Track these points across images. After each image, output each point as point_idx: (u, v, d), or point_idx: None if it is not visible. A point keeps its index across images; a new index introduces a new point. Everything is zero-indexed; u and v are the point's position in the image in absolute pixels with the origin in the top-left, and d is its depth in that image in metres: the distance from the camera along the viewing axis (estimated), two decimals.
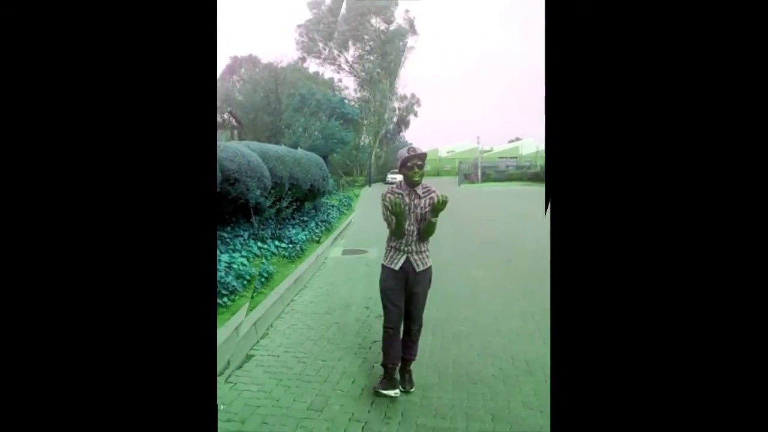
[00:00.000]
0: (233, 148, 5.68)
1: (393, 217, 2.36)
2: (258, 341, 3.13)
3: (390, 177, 29.18)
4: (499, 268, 5.46)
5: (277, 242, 5.67)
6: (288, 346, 3.09)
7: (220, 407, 2.27)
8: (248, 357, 2.88)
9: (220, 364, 2.72)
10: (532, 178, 25.82)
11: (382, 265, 2.54)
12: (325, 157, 13.18)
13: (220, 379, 2.54)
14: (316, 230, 7.19)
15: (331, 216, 9.01)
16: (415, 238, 2.44)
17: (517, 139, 50.33)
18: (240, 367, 2.74)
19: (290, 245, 5.71)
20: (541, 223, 8.82)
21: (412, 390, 2.48)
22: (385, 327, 2.48)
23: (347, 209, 11.72)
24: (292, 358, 2.90)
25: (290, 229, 6.65)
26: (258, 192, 5.71)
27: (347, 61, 33.35)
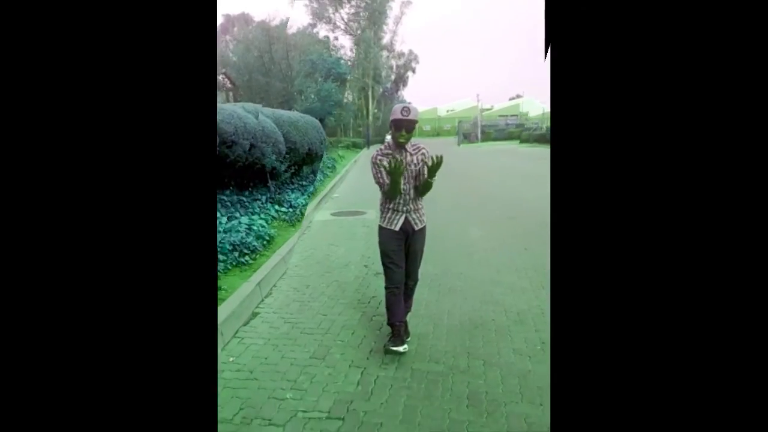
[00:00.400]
0: (229, 110, 5.63)
1: (388, 178, 2.37)
2: (262, 300, 3.29)
3: (388, 138, 28.94)
4: (493, 225, 5.57)
5: (276, 206, 5.77)
6: (290, 303, 3.25)
7: (230, 359, 2.44)
8: (254, 314, 3.04)
9: (244, 318, 2.94)
10: (538, 140, 24.99)
11: (380, 227, 2.54)
12: (321, 120, 13.06)
13: (231, 335, 2.70)
14: (316, 195, 7.26)
15: (316, 179, 9.02)
16: (411, 197, 2.45)
17: (518, 96, 49.37)
18: (246, 323, 2.90)
19: (290, 209, 5.81)
20: (538, 181, 8.87)
21: (408, 339, 2.56)
22: (388, 287, 2.51)
23: (331, 171, 11.46)
24: (295, 314, 3.06)
25: (289, 193, 6.72)
26: (273, 157, 5.80)
27: (342, 19, 32.21)
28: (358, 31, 31.54)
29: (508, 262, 4.08)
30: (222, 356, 2.47)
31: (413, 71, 37.17)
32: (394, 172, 2.28)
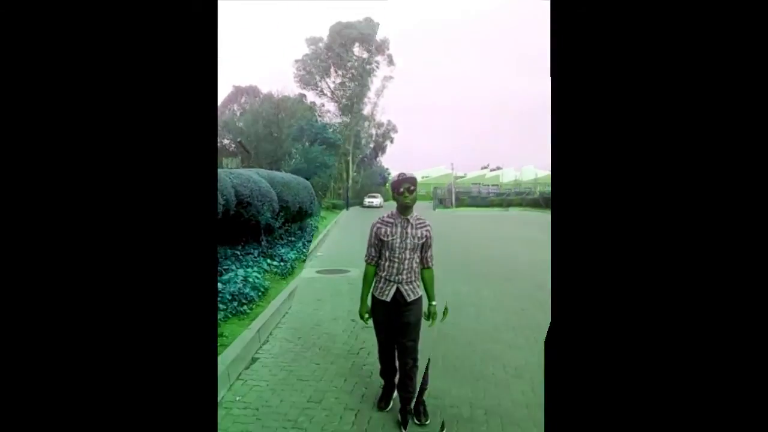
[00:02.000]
0: (246, 175, 6.21)
1: (376, 246, 2.41)
2: (261, 346, 3.53)
3: (367, 201, 30.49)
4: (480, 281, 5.98)
5: (269, 260, 6.09)
6: (286, 351, 3.50)
7: (236, 398, 2.68)
8: (253, 359, 3.28)
9: (246, 362, 3.18)
10: (530, 204, 27.86)
11: (372, 296, 2.50)
12: (307, 179, 13.76)
13: (235, 376, 2.93)
14: (304, 249, 7.62)
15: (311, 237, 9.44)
16: (406, 267, 2.38)
17: (498, 168, 52.79)
18: (248, 367, 3.14)
19: (281, 263, 6.13)
20: (516, 241, 9.43)
21: (428, 423, 2.41)
22: (380, 359, 2.63)
23: (314, 231, 11.61)
24: (290, 362, 3.30)
25: (279, 248, 7.06)
26: (268, 214, 6.24)
27: (329, 87, 34.57)
28: (343, 99, 33.81)
29: (482, 301, 4.46)
30: (228, 395, 2.70)
31: (391, 141, 39.65)
32: (362, 315, 2.51)
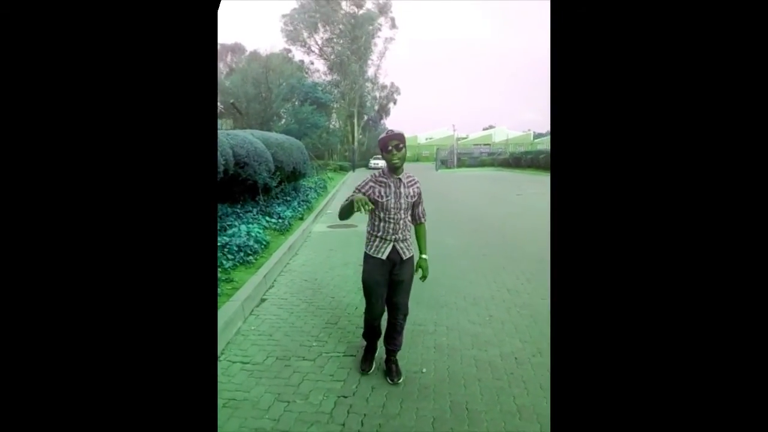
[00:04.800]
0: (242, 136, 6.44)
1: (354, 205, 2.17)
2: (267, 290, 3.97)
3: (372, 162, 30.88)
4: (466, 236, 6.47)
5: (267, 218, 6.46)
6: (293, 293, 3.96)
7: (251, 328, 3.12)
8: (262, 300, 3.72)
9: (256, 301, 3.64)
10: (502, 164, 29.45)
11: (366, 254, 2.46)
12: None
13: (249, 312, 3.38)
14: (299, 208, 7.97)
15: (309, 196, 9.79)
16: (401, 226, 2.37)
17: (491, 127, 52.68)
18: (258, 305, 3.58)
19: (279, 220, 6.50)
20: (504, 201, 9.94)
21: (400, 381, 2.45)
22: (366, 320, 2.52)
23: (323, 191, 12.49)
24: (298, 299, 3.77)
25: (276, 207, 7.41)
26: (265, 174, 6.53)
27: (317, 44, 33.66)
28: (332, 56, 33.04)
29: (479, 261, 4.95)
30: (244, 326, 3.15)
31: (395, 102, 39.47)
32: (360, 206, 2.15)
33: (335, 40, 33.27)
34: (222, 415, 2.09)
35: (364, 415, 2.14)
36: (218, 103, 23.25)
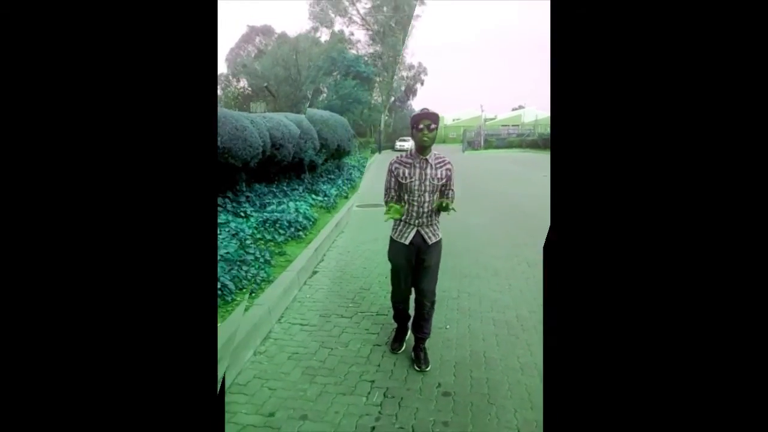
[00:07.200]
0: (277, 119, 6.97)
1: (395, 188, 2.27)
2: (318, 263, 4.60)
3: (399, 144, 30.38)
4: (489, 215, 6.81)
5: (313, 195, 7.10)
6: (344, 266, 4.54)
7: (306, 296, 3.74)
8: (314, 272, 4.35)
9: (309, 272, 4.27)
10: (531, 145, 29.25)
11: (391, 239, 2.43)
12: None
13: (303, 282, 4.02)
14: (344, 187, 8.55)
15: (353, 175, 10.31)
16: (425, 210, 2.28)
17: (520, 107, 50.63)
18: (311, 277, 4.22)
19: (325, 198, 7.12)
20: (530, 182, 10.15)
21: (428, 369, 2.44)
22: (393, 303, 2.61)
23: (363, 168, 12.85)
24: (344, 266, 4.37)
25: (322, 185, 8.04)
26: (311, 152, 7.19)
27: (359, 13, 33.03)
28: (375, 26, 32.44)
29: (501, 238, 5.33)
30: (300, 294, 3.78)
31: (422, 83, 38.70)
32: (393, 213, 2.16)
33: (379, 8, 32.38)
34: (287, 365, 2.65)
35: (396, 357, 2.67)
36: (249, 87, 23.72)
